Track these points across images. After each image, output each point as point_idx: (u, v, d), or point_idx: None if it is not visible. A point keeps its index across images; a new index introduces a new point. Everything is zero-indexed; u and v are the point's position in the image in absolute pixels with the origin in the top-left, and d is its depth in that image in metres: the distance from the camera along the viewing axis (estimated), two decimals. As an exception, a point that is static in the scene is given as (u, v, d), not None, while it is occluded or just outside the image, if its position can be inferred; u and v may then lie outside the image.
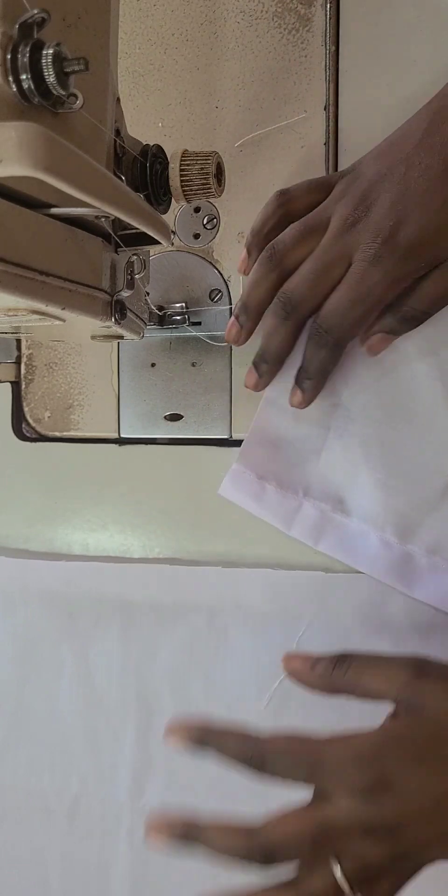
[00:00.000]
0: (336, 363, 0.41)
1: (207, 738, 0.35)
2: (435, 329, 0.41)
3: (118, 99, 0.33)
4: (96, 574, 0.49)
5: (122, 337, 0.38)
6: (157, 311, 0.43)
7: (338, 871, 0.32)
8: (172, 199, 0.34)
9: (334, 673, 0.37)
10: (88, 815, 0.50)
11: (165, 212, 0.34)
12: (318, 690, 0.38)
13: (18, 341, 0.51)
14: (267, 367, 0.41)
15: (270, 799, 0.46)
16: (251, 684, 0.47)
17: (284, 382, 0.43)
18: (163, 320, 0.44)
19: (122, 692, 0.49)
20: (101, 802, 0.50)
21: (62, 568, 0.50)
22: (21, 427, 0.51)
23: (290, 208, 0.40)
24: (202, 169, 0.33)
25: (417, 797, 0.32)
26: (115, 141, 0.31)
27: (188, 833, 0.34)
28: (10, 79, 0.23)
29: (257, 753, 0.34)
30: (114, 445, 0.49)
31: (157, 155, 0.34)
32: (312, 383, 0.41)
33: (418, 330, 0.40)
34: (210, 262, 0.45)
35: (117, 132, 0.32)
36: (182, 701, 0.48)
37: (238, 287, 0.45)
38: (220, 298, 0.46)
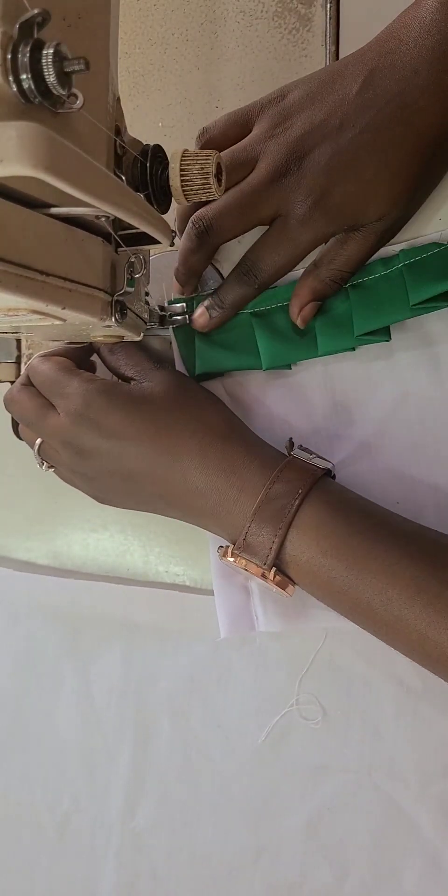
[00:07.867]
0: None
1: None
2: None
3: (118, 99, 0.33)
4: (102, 593, 0.49)
5: (122, 337, 0.38)
6: (157, 310, 0.43)
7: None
8: (172, 199, 0.34)
9: None
10: (78, 833, 0.50)
11: (165, 212, 0.34)
12: None
13: (18, 341, 0.50)
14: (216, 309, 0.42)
15: (261, 830, 0.46)
16: (250, 718, 0.47)
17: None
18: (163, 320, 0.44)
19: (121, 713, 0.49)
20: (92, 822, 0.50)
21: (69, 585, 0.49)
22: (21, 427, 0.51)
23: (209, 146, 0.40)
24: (202, 169, 0.33)
25: None
26: (115, 141, 0.31)
27: None
28: (11, 78, 0.23)
29: None
30: (114, 445, 0.49)
31: (157, 155, 0.34)
32: (223, 314, 0.42)
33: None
34: (210, 262, 0.45)
35: (117, 132, 0.32)
36: (180, 727, 0.48)
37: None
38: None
